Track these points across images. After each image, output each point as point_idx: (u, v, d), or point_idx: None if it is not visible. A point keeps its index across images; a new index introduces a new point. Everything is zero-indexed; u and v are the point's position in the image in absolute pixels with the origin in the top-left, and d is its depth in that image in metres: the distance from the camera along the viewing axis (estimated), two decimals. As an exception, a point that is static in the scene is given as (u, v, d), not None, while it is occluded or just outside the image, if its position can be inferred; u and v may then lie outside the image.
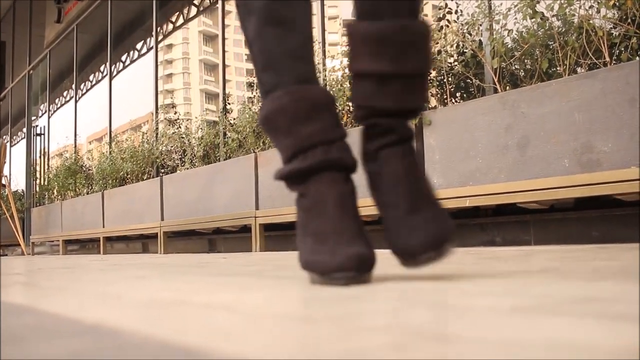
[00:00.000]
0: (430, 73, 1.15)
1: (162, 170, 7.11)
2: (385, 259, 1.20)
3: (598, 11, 3.02)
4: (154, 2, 8.29)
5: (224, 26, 6.47)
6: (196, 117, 7.15)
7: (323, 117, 1.24)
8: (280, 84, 1.26)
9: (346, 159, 1.25)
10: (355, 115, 1.29)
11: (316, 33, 4.69)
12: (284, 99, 1.24)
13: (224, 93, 6.33)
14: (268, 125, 1.28)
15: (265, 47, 1.28)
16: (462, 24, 3.75)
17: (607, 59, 2.94)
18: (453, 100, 3.89)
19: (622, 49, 2.97)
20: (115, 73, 9.49)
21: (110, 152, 8.20)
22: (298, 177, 1.24)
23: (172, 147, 6.98)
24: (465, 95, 3.96)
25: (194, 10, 8.39)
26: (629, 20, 2.90)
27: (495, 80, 3.43)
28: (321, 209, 1.21)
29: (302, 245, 1.22)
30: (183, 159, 6.71)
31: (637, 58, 2.98)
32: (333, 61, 4.65)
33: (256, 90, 6.07)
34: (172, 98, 9.66)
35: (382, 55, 1.20)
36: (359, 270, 1.11)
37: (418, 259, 1.15)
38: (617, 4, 2.94)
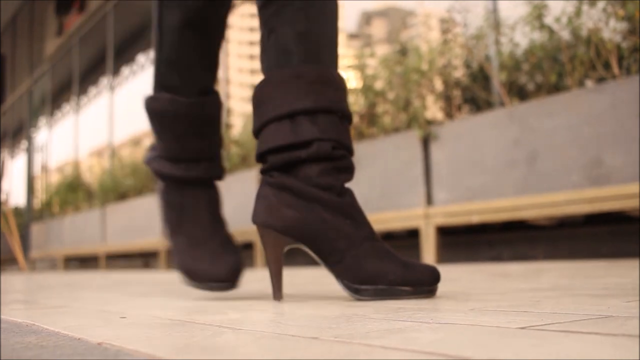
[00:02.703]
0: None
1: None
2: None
3: (607, 23, 2.99)
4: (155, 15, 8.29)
5: (226, 41, 6.47)
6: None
7: (213, 133, 1.35)
8: (182, 90, 1.32)
9: (222, 174, 1.38)
10: (302, 154, 1.14)
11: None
12: (186, 110, 1.31)
13: (227, 108, 6.31)
14: (159, 121, 1.35)
15: (179, 47, 1.30)
16: (468, 37, 3.72)
17: (617, 71, 2.90)
18: (460, 114, 3.86)
19: (632, 61, 2.93)
20: (116, 86, 9.49)
21: (111, 167, 8.18)
22: (178, 181, 1.34)
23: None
24: (472, 109, 3.92)
25: (196, 24, 8.39)
26: (639, 32, 2.87)
27: (503, 93, 3.39)
28: (195, 214, 1.31)
29: (175, 244, 1.32)
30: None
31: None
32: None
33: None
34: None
35: (341, 97, 1.18)
36: (234, 280, 1.25)
37: (424, 290, 1.12)
38: (626, 16, 2.90)
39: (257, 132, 1.18)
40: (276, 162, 1.14)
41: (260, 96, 1.17)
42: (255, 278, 2.50)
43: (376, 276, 1.08)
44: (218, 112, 1.37)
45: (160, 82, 1.35)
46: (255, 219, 1.16)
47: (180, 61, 1.31)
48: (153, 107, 1.36)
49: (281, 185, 1.13)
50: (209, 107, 1.34)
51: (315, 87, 1.13)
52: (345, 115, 1.17)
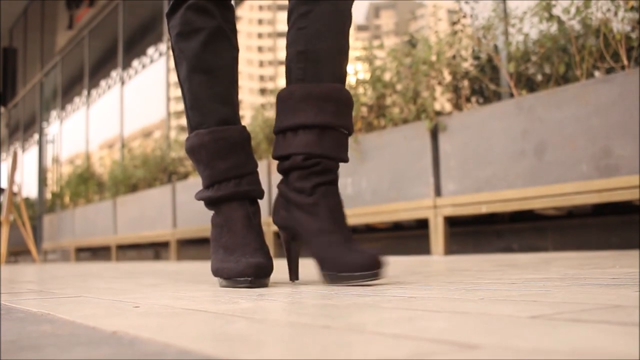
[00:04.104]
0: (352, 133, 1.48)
1: (174, 177, 7.10)
2: (407, 267, 1.18)
3: (616, 14, 2.98)
4: (165, 7, 8.30)
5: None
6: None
7: (237, 155, 1.51)
8: (204, 123, 1.52)
9: (253, 191, 1.52)
10: (286, 164, 1.44)
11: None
12: (206, 138, 1.50)
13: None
14: (192, 156, 1.56)
15: (193, 90, 1.54)
16: (477, 28, 3.71)
17: (625, 62, 2.90)
18: (468, 106, 3.86)
19: (641, 52, 2.93)
20: (126, 79, 9.50)
21: (122, 159, 8.20)
22: (212, 202, 1.52)
23: (184, 154, 6.97)
24: (481, 100, 3.92)
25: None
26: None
27: (512, 84, 3.39)
28: (230, 227, 1.47)
29: (215, 256, 1.48)
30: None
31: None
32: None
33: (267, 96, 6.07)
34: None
35: (325, 110, 1.40)
36: (257, 277, 1.35)
37: (359, 276, 1.26)
38: (636, 6, 2.89)
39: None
40: (278, 169, 1.47)
41: (276, 109, 1.47)
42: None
43: (323, 263, 1.33)
44: (242, 138, 1.54)
45: (190, 125, 1.57)
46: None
47: (196, 102, 1.53)
48: (186, 146, 1.56)
49: (280, 191, 1.46)
50: (230, 133, 1.51)
51: (298, 106, 1.40)
52: (327, 127, 1.40)
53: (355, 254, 1.27)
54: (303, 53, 1.42)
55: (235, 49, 1.59)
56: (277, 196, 1.48)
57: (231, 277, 1.38)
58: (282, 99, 1.44)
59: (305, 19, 1.42)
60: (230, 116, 1.55)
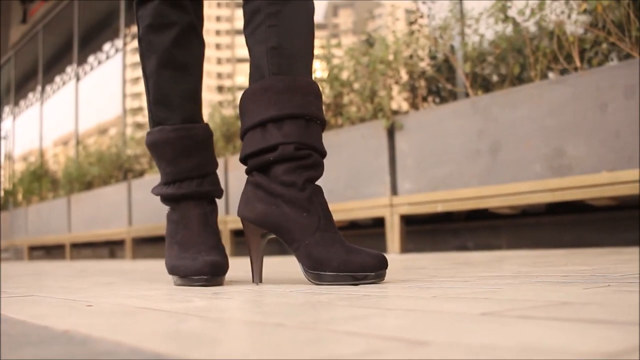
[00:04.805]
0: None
1: (130, 174, 7.03)
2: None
3: (569, 16, 3.03)
4: (122, 2, 8.21)
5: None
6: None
7: (201, 155, 1.52)
8: (170, 119, 1.51)
9: (214, 191, 1.53)
10: (269, 157, 1.34)
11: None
12: (171, 135, 1.49)
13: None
14: (154, 151, 1.54)
15: (160, 85, 1.52)
16: (434, 28, 3.75)
17: (578, 64, 2.95)
18: (425, 105, 3.89)
19: (593, 54, 2.98)
20: (82, 75, 9.38)
21: (76, 156, 8.10)
22: (172, 199, 1.51)
23: (140, 151, 6.91)
24: (437, 99, 3.96)
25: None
26: (600, 25, 2.92)
27: (467, 84, 3.43)
28: (187, 224, 1.48)
29: (169, 252, 1.47)
30: (151, 164, 6.64)
31: (608, 63, 3.00)
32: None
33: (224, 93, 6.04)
34: (140, 101, 9.59)
35: (308, 102, 1.34)
36: (213, 275, 1.34)
37: (374, 276, 1.21)
38: (588, 9, 2.95)
39: (241, 139, 1.39)
40: (253, 165, 1.35)
41: (241, 108, 1.39)
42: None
43: (322, 263, 1.22)
44: (206, 137, 1.54)
45: (152, 119, 1.54)
46: (237, 212, 1.38)
47: (163, 97, 1.52)
48: (148, 140, 1.54)
49: (256, 183, 1.34)
50: (195, 132, 1.51)
51: (282, 97, 1.32)
52: (312, 118, 1.34)
53: (363, 254, 1.21)
54: (276, 49, 1.35)
55: (203, 45, 1.58)
56: (249, 189, 1.36)
57: (187, 275, 1.37)
58: (259, 91, 1.34)
59: (275, 18, 1.36)
60: (196, 114, 1.55)
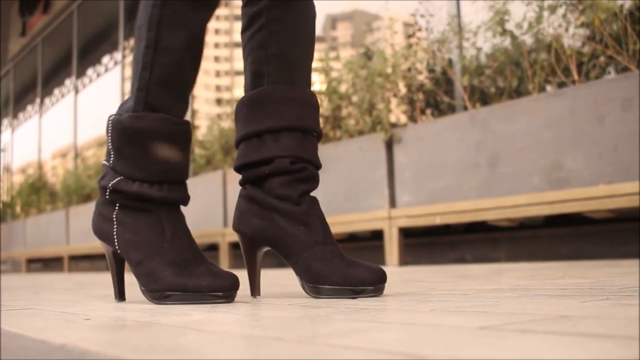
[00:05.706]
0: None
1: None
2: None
3: (567, 30, 3.04)
4: (121, 15, 8.23)
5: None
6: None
7: (187, 157, 1.34)
8: (174, 109, 1.30)
9: (188, 199, 1.34)
10: (265, 169, 1.29)
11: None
12: (175, 128, 1.29)
13: (192, 109, 6.28)
14: (140, 141, 1.27)
15: (179, 66, 1.29)
16: (432, 42, 3.76)
17: (576, 77, 2.96)
18: (423, 118, 3.89)
19: (590, 67, 2.99)
20: (81, 88, 9.39)
21: (75, 169, 8.09)
22: (149, 201, 1.28)
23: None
24: (435, 112, 3.96)
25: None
26: (597, 39, 2.93)
27: (466, 97, 3.43)
28: (179, 237, 1.27)
29: (163, 271, 1.24)
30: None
31: (605, 76, 3.01)
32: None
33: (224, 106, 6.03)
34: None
35: (306, 114, 1.30)
36: (235, 290, 1.21)
37: (372, 290, 1.19)
38: (586, 22, 2.96)
39: (236, 147, 1.34)
40: (248, 177, 1.31)
41: (237, 115, 1.33)
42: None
43: (321, 276, 1.20)
44: (189, 138, 1.36)
45: (148, 101, 1.28)
46: (233, 226, 1.33)
47: (175, 81, 1.30)
48: (137, 126, 1.27)
49: (251, 197, 1.30)
50: (185, 129, 1.32)
51: (279, 107, 1.28)
52: (309, 130, 1.30)
53: (362, 268, 1.18)
54: (277, 56, 1.30)
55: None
56: (243, 203, 1.31)
57: (212, 291, 1.19)
58: (257, 100, 1.28)
59: (277, 23, 1.31)
60: (185, 111, 1.36)
